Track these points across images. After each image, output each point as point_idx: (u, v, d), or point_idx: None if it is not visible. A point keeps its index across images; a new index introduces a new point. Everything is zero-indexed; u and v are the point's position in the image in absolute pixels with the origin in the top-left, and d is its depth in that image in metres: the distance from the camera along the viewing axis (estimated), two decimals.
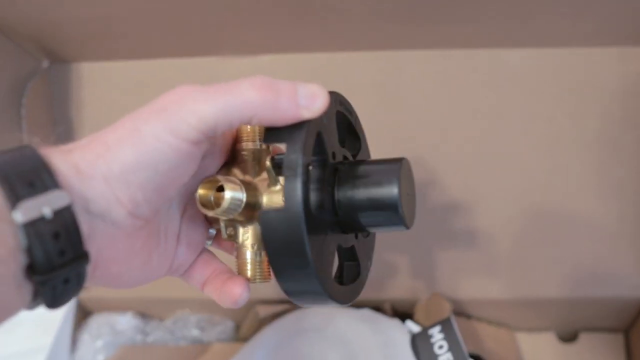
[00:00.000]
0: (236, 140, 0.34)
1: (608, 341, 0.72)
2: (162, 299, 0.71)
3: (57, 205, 0.24)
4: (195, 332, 0.73)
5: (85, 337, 0.72)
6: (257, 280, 0.33)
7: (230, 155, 0.34)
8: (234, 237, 0.33)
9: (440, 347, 0.57)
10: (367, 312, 0.64)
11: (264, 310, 0.68)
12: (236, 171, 0.33)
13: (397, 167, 0.33)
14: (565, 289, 0.65)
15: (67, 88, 0.66)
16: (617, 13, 0.56)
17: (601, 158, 0.63)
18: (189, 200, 0.33)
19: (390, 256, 0.66)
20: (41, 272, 0.24)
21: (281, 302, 0.68)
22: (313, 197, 0.30)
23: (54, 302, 0.26)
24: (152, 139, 0.27)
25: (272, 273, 0.32)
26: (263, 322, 0.70)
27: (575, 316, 0.70)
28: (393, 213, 0.32)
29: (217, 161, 0.33)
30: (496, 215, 0.64)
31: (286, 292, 0.31)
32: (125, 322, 0.73)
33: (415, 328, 0.60)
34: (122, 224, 0.27)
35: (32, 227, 0.24)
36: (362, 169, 0.33)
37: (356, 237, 0.36)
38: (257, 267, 0.33)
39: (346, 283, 0.35)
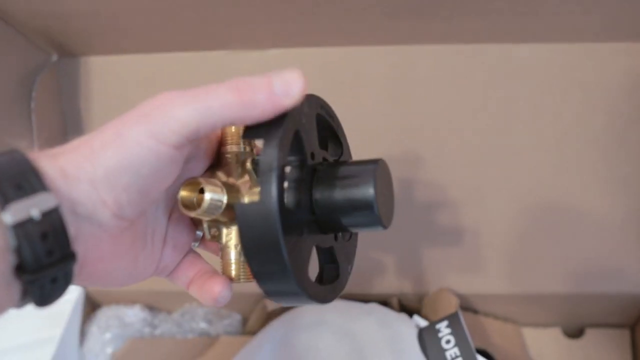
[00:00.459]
0: (221, 143, 0.35)
1: (614, 337, 0.72)
2: (170, 292, 0.71)
3: (45, 207, 0.25)
4: (202, 325, 0.73)
5: (94, 329, 0.72)
6: (242, 280, 0.34)
7: (216, 158, 0.35)
8: (217, 238, 0.34)
9: (448, 341, 0.57)
10: (374, 307, 0.64)
11: (271, 304, 0.68)
12: (220, 174, 0.34)
13: (373, 167, 0.33)
14: (571, 285, 0.65)
15: (76, 82, 0.67)
16: (625, 8, 0.56)
17: (608, 154, 0.63)
18: (175, 203, 0.34)
19: (398, 251, 0.66)
20: (30, 272, 0.25)
21: None
22: (290, 195, 0.31)
23: (42, 301, 0.26)
24: (134, 143, 0.28)
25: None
26: (270, 316, 0.70)
27: (581, 312, 0.70)
28: (369, 213, 0.33)
29: (203, 164, 0.34)
30: (503, 210, 0.64)
31: (263, 289, 0.31)
32: (134, 314, 0.73)
33: (423, 323, 0.61)
34: (107, 225, 0.28)
35: (21, 228, 0.24)
36: (340, 169, 0.34)
37: (336, 238, 0.37)
38: (241, 266, 0.34)
39: (325, 284, 0.35)
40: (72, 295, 0.71)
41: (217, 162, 0.35)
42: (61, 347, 0.68)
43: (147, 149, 0.28)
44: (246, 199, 0.31)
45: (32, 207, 0.25)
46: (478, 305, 0.70)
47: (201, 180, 0.32)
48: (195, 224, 0.36)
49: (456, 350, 0.57)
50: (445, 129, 0.64)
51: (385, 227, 0.34)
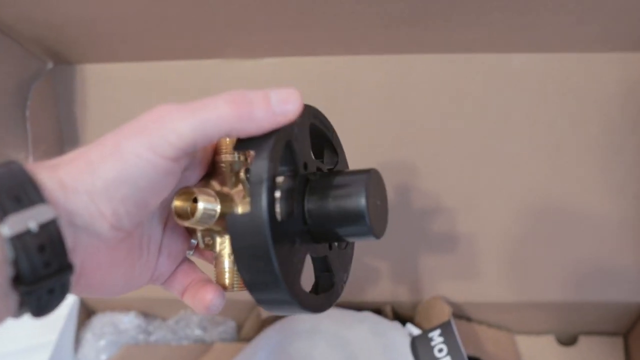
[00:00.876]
0: (215, 152, 0.35)
1: (607, 344, 0.72)
2: (165, 299, 0.71)
3: (43, 219, 0.25)
4: (197, 332, 0.73)
5: (89, 336, 0.72)
6: (235, 289, 0.34)
7: (210, 167, 0.35)
8: (211, 247, 0.34)
9: (440, 350, 0.57)
10: (368, 315, 0.64)
11: (265, 311, 0.68)
12: (214, 183, 0.34)
13: (365, 177, 0.33)
14: (565, 292, 0.65)
15: (72, 89, 0.67)
16: (619, 19, 0.56)
17: (602, 163, 0.63)
18: (170, 212, 0.34)
19: (392, 258, 0.67)
20: (27, 283, 0.25)
21: None
22: (283, 205, 0.31)
23: (38, 311, 0.27)
24: (132, 156, 0.28)
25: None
26: (265, 323, 0.70)
27: (574, 319, 0.70)
28: (361, 223, 0.32)
29: (198, 173, 0.34)
30: (498, 218, 0.64)
31: (256, 299, 0.31)
32: (128, 321, 0.73)
33: (416, 331, 0.61)
34: (105, 236, 0.29)
35: (19, 240, 0.25)
36: (332, 179, 0.34)
37: (330, 247, 0.36)
38: (235, 275, 0.34)
39: (320, 293, 0.36)
40: (67, 302, 0.71)
41: (211, 171, 0.35)
42: (56, 353, 0.68)
43: (145, 161, 0.28)
44: (239, 209, 0.31)
45: (29, 220, 0.25)
46: (472, 312, 0.70)
47: (195, 190, 0.32)
48: (190, 232, 0.36)
49: (449, 359, 0.57)
50: (441, 137, 0.64)
51: (377, 237, 0.34)
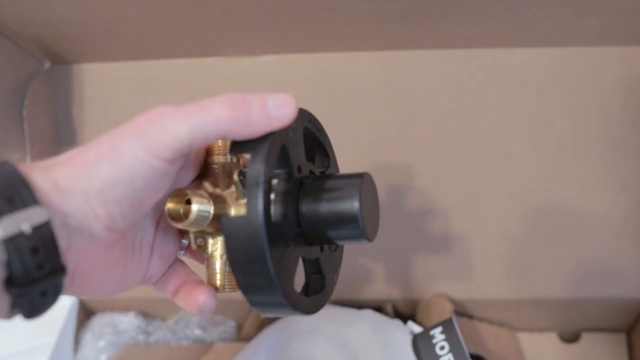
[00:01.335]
0: (208, 153, 0.35)
1: (610, 341, 0.72)
2: (164, 299, 0.70)
3: (36, 221, 0.25)
4: (197, 332, 0.73)
5: (88, 336, 0.72)
6: (227, 289, 0.34)
7: (203, 168, 0.35)
8: (203, 248, 0.35)
9: (442, 347, 0.57)
10: (368, 313, 0.64)
11: None
12: (207, 184, 0.34)
13: (358, 181, 0.34)
14: (568, 289, 0.65)
15: (69, 89, 0.66)
16: (620, 12, 0.56)
17: (604, 158, 0.63)
18: (162, 213, 0.34)
19: (393, 257, 0.66)
20: (19, 285, 0.25)
21: None
22: (277, 207, 0.32)
23: (30, 313, 0.27)
24: (129, 157, 0.28)
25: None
26: (265, 323, 0.70)
27: (577, 316, 0.70)
28: (354, 226, 0.33)
29: (190, 174, 0.34)
30: (499, 215, 0.64)
31: (249, 300, 0.31)
32: (128, 321, 0.73)
33: (417, 329, 0.61)
34: (99, 237, 0.28)
35: (12, 243, 0.24)
36: (326, 183, 0.34)
37: (321, 250, 0.37)
38: (226, 276, 0.34)
39: (311, 295, 0.36)
40: (66, 302, 0.71)
41: (204, 172, 0.35)
42: (55, 354, 0.67)
43: (142, 162, 0.28)
44: (232, 210, 0.31)
45: (23, 222, 0.25)
46: (473, 310, 0.70)
47: (188, 191, 0.32)
48: (182, 233, 0.36)
49: (450, 357, 0.56)
50: (440, 134, 0.64)
51: (370, 240, 0.34)
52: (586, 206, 0.63)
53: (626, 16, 0.56)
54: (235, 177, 0.32)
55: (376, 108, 0.64)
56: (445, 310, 0.62)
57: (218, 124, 0.29)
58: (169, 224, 0.34)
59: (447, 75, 0.63)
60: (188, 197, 0.32)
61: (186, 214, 0.32)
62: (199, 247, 0.34)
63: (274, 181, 0.32)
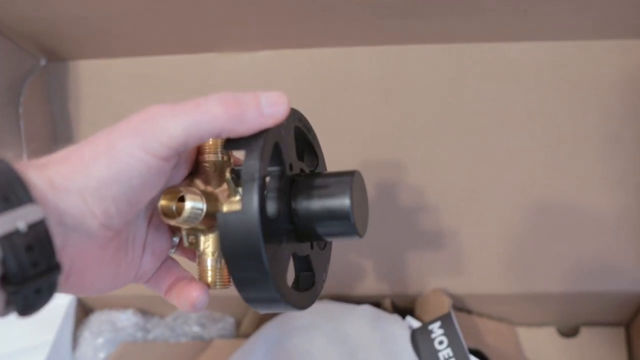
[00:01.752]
0: (199, 152, 0.35)
1: (609, 335, 0.72)
2: (162, 296, 0.71)
3: (31, 219, 0.25)
4: (195, 329, 0.73)
5: (86, 334, 0.72)
6: (218, 286, 0.35)
7: (194, 166, 0.35)
8: (195, 245, 0.35)
9: (441, 342, 0.57)
10: (367, 308, 0.64)
11: None
12: (199, 182, 0.35)
13: (349, 179, 0.35)
14: (566, 284, 0.65)
15: (65, 86, 0.66)
16: (618, 5, 0.56)
17: (602, 152, 0.63)
18: (154, 210, 0.35)
19: (391, 252, 0.66)
20: (14, 283, 0.25)
21: None
22: (270, 204, 0.33)
23: (24, 311, 0.27)
24: (125, 155, 0.28)
25: (231, 279, 0.33)
26: (263, 319, 0.70)
27: (576, 311, 0.70)
28: (346, 222, 0.34)
29: (182, 172, 0.35)
30: (497, 210, 0.64)
31: (243, 296, 0.32)
32: (126, 319, 0.73)
33: (415, 324, 0.60)
34: (94, 235, 0.29)
35: (7, 240, 0.24)
36: (318, 180, 0.35)
37: (312, 247, 0.38)
38: (218, 273, 0.35)
39: (301, 291, 0.37)
40: (64, 300, 0.71)
41: (195, 170, 0.35)
42: (53, 352, 0.67)
43: (138, 160, 0.29)
44: (225, 208, 0.32)
45: (18, 219, 0.25)
46: (472, 305, 0.70)
47: (181, 188, 0.33)
48: (173, 230, 0.36)
49: (449, 351, 0.56)
50: (438, 129, 0.64)
51: (360, 236, 0.35)
52: (585, 200, 0.63)
53: (624, 9, 0.56)
54: (227, 175, 0.33)
55: (373, 103, 0.64)
56: (444, 305, 0.62)
57: (213, 122, 0.30)
58: (160, 221, 0.35)
59: (444, 69, 0.63)
60: (181, 194, 0.32)
61: (179, 211, 0.32)
62: (190, 244, 0.35)
63: (267, 179, 0.32)
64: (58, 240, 0.27)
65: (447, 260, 0.65)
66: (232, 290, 0.34)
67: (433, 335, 0.58)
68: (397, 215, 0.65)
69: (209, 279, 0.34)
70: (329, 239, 0.37)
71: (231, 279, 0.33)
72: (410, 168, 0.64)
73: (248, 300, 0.32)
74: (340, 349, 0.58)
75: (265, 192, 0.31)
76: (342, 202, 0.34)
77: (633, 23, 0.58)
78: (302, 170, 0.37)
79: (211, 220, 0.33)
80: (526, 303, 0.68)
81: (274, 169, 0.34)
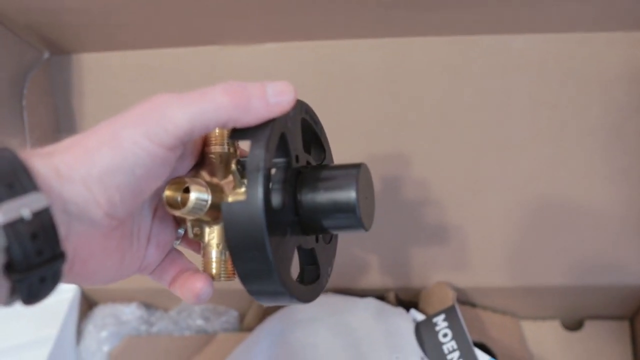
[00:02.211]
0: (205, 143, 0.35)
1: (613, 329, 0.72)
2: (166, 290, 0.70)
3: (36, 207, 0.25)
4: (199, 322, 0.73)
5: (90, 327, 0.72)
6: (222, 278, 0.35)
7: (200, 158, 0.35)
8: (200, 237, 0.35)
9: (445, 335, 0.57)
10: (371, 301, 0.64)
11: None
12: (204, 173, 0.35)
13: (355, 172, 0.34)
14: (570, 277, 0.64)
15: (68, 79, 0.66)
16: None
17: (606, 145, 0.62)
18: (159, 202, 0.35)
19: (394, 245, 0.66)
20: (19, 271, 0.25)
21: None
22: (275, 195, 0.32)
23: (29, 299, 0.27)
24: (130, 144, 0.28)
25: (235, 271, 0.33)
26: (267, 312, 0.70)
27: (580, 304, 0.70)
28: (352, 215, 0.34)
29: (188, 163, 0.35)
30: (501, 203, 0.64)
31: (247, 288, 0.32)
32: (130, 312, 0.73)
33: (420, 317, 0.60)
34: (98, 224, 0.29)
35: (11, 228, 0.24)
36: (324, 172, 0.35)
37: (317, 240, 0.38)
38: (222, 265, 0.35)
39: (306, 285, 0.37)
40: (68, 294, 0.71)
41: (201, 161, 0.35)
42: (57, 346, 0.67)
43: (142, 149, 0.28)
44: (230, 199, 0.32)
45: (23, 207, 0.25)
46: (476, 298, 0.70)
47: (187, 179, 0.32)
48: (178, 222, 0.36)
49: (453, 344, 0.56)
50: (440, 121, 0.64)
51: (366, 229, 0.35)
52: (588, 193, 0.63)
53: (628, 1, 0.56)
54: (233, 166, 0.32)
55: (376, 94, 0.64)
56: (448, 298, 0.62)
57: (218, 111, 0.30)
58: (165, 213, 0.35)
59: (447, 62, 0.63)
60: (186, 185, 0.32)
61: (184, 202, 0.32)
62: (195, 235, 0.35)
63: (272, 170, 0.32)
64: (62, 228, 0.27)
65: (451, 253, 0.65)
66: (236, 284, 0.34)
67: (437, 328, 0.58)
68: (401, 208, 0.65)
69: (214, 271, 0.34)
70: (334, 232, 0.37)
71: (235, 271, 0.33)
72: (414, 160, 0.64)
73: (252, 292, 0.32)
74: (344, 342, 0.58)
75: (270, 183, 0.31)
76: (349, 194, 0.34)
77: (637, 15, 0.58)
78: (308, 163, 0.37)
79: (216, 211, 0.33)
80: (530, 296, 0.68)
81: (280, 160, 0.34)
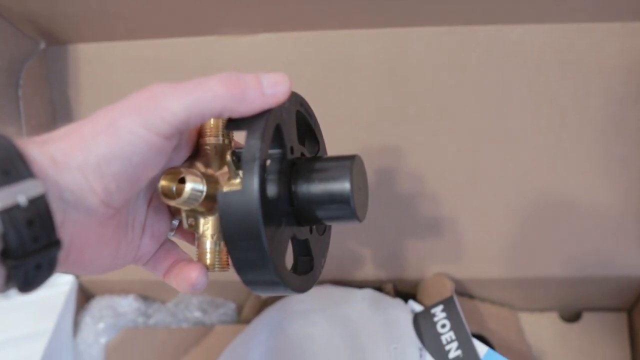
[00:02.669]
0: (200, 135, 0.36)
1: (611, 320, 0.72)
2: (164, 282, 0.71)
3: (32, 193, 0.25)
4: (197, 314, 0.73)
5: (87, 319, 0.72)
6: (216, 269, 0.35)
7: (195, 149, 0.36)
8: (194, 227, 0.35)
9: (443, 326, 0.57)
10: (368, 292, 0.64)
11: None
12: (199, 164, 0.35)
13: (349, 163, 0.35)
14: (568, 269, 0.64)
15: (64, 69, 0.66)
16: None
17: (604, 136, 0.62)
18: (154, 192, 0.35)
19: (392, 237, 0.66)
20: (15, 257, 0.25)
21: None
22: (271, 186, 0.33)
23: (25, 287, 0.27)
24: (126, 132, 0.29)
25: (230, 262, 0.34)
26: (265, 304, 0.70)
27: (578, 296, 0.70)
28: (345, 206, 0.34)
29: (183, 154, 0.35)
30: (499, 194, 0.64)
31: (242, 278, 0.32)
32: (127, 304, 0.73)
33: (418, 307, 0.60)
34: (94, 212, 0.29)
35: (7, 214, 0.25)
36: (318, 164, 0.36)
37: (311, 231, 0.38)
38: (216, 256, 0.35)
39: (300, 275, 0.37)
40: (65, 286, 0.71)
41: (196, 152, 0.36)
42: (54, 338, 0.67)
43: (139, 138, 0.29)
44: (225, 189, 0.32)
45: (18, 194, 0.25)
46: (474, 290, 0.70)
47: (182, 170, 0.33)
48: (172, 213, 0.37)
49: (452, 335, 0.56)
50: (439, 111, 0.63)
51: (360, 220, 0.36)
52: (587, 184, 0.63)
53: None
54: (228, 157, 0.33)
55: (375, 85, 0.64)
56: (446, 289, 0.62)
57: (214, 100, 0.30)
58: (160, 203, 0.35)
59: (446, 52, 0.62)
60: (182, 175, 0.32)
61: (179, 192, 0.33)
62: (190, 226, 0.35)
63: (268, 161, 0.33)
64: (58, 216, 0.27)
65: (448, 245, 0.65)
66: (234, 275, 0.34)
67: (435, 319, 0.58)
68: (398, 200, 0.65)
69: (208, 262, 0.35)
70: (328, 223, 0.37)
71: (230, 261, 0.33)
72: (411, 151, 0.64)
73: (246, 281, 0.32)
74: (342, 333, 0.58)
75: (265, 173, 0.31)
76: (342, 186, 0.34)
77: (636, 5, 0.58)
78: (302, 155, 0.37)
79: (211, 202, 0.33)
80: (528, 288, 0.68)
81: (275, 151, 0.34)
